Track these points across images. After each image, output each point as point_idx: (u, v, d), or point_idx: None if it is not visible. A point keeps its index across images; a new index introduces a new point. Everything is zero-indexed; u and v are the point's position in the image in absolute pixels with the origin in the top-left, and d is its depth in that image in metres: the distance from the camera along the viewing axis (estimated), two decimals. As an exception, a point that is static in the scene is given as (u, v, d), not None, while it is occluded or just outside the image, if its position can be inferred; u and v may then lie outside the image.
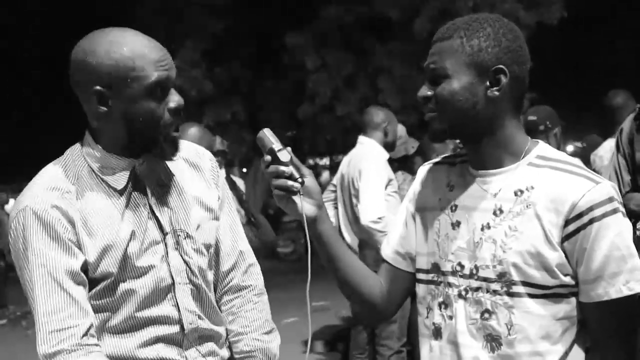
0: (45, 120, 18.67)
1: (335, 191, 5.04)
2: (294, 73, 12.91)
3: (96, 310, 1.77)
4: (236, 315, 2.03)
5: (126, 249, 1.77)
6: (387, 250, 1.83)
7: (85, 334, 1.71)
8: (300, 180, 1.63)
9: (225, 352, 1.99)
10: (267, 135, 1.65)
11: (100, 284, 1.77)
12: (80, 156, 1.83)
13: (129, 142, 1.80)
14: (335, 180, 5.04)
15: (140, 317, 1.80)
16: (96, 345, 1.74)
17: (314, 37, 12.38)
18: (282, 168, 1.62)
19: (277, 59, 13.19)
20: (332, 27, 12.27)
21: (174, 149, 1.86)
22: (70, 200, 1.76)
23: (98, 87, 1.73)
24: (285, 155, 1.62)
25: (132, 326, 1.81)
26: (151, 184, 1.86)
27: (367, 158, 4.66)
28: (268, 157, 1.63)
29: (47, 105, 18.22)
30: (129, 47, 1.72)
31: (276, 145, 1.63)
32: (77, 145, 1.85)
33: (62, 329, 1.69)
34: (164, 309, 1.83)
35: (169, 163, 1.90)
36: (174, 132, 1.81)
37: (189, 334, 1.86)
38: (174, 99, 1.78)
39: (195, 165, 1.99)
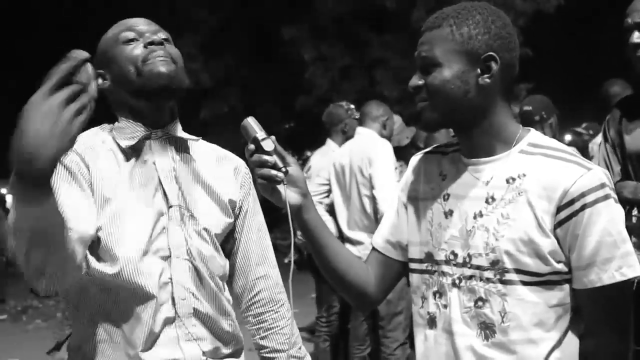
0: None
1: (326, 184, 5.03)
2: (291, 65, 12.90)
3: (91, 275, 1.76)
4: (271, 332, 2.03)
5: (131, 214, 1.78)
6: (378, 238, 1.84)
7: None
8: (284, 169, 1.63)
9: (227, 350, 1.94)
10: (251, 123, 1.64)
11: (98, 245, 1.76)
12: (106, 129, 1.90)
13: (136, 103, 1.85)
14: (326, 172, 5.02)
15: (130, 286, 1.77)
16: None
17: (311, 29, 12.37)
18: (266, 157, 1.62)
19: (274, 51, 13.18)
20: (329, 18, 12.25)
21: (157, 79, 1.81)
22: (98, 154, 1.83)
23: (97, 71, 1.82)
24: (269, 144, 1.62)
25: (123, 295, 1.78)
26: (164, 156, 1.88)
27: (375, 146, 4.65)
28: (252, 146, 1.63)
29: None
30: (113, 28, 1.90)
31: (260, 134, 1.63)
32: (105, 124, 1.92)
33: None
34: (159, 279, 1.79)
35: (191, 146, 1.93)
36: (157, 66, 1.82)
37: (180, 310, 1.82)
38: (150, 37, 1.85)
39: (221, 161, 2.00)
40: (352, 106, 5.43)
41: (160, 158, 1.87)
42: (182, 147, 1.93)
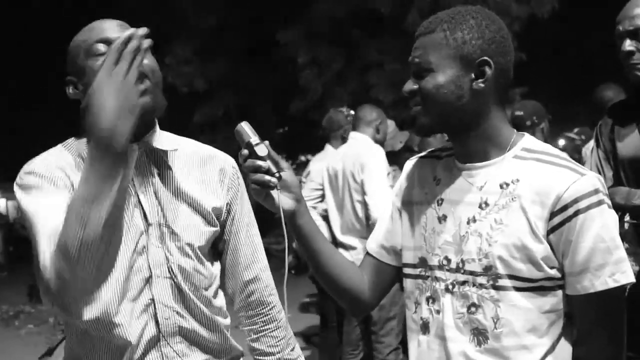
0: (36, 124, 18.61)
1: (319, 189, 5.01)
2: (285, 69, 12.89)
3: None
4: (262, 334, 2.02)
5: None
6: (372, 243, 1.84)
7: None
8: (277, 174, 1.62)
9: None
10: (245, 129, 1.64)
11: None
12: (73, 144, 1.86)
13: None
14: (321, 177, 5.01)
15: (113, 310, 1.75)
16: None
17: (305, 33, 12.36)
18: (260, 162, 1.61)
19: (268, 55, 13.17)
20: (323, 22, 12.25)
21: None
22: (74, 168, 1.80)
23: (68, 77, 1.83)
24: (262, 149, 1.61)
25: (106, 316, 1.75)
26: (142, 171, 1.83)
27: (368, 152, 4.64)
28: (245, 151, 1.63)
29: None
30: (84, 34, 1.84)
31: (254, 139, 1.62)
32: (72, 139, 1.88)
33: None
34: (139, 300, 1.78)
35: (169, 157, 1.88)
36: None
37: (164, 330, 1.81)
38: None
39: (205, 165, 1.94)
40: (352, 112, 5.42)
41: (137, 173, 1.83)
42: (161, 159, 1.87)
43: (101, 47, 1.78)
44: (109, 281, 1.70)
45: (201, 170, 1.93)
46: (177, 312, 1.82)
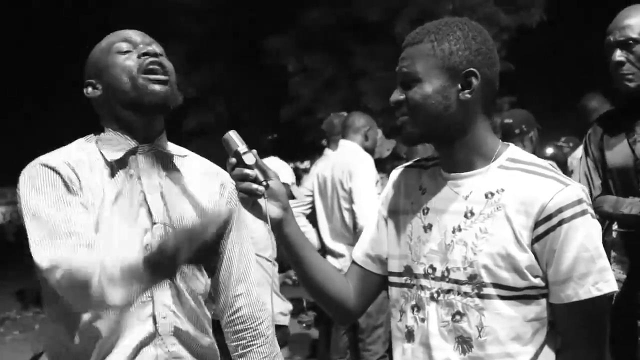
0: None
1: (310, 195, 5.02)
2: (275, 76, 12.90)
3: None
4: (249, 349, 2.03)
5: (114, 230, 1.78)
6: (358, 252, 1.84)
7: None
8: (265, 183, 1.63)
9: None
10: (233, 137, 1.65)
11: None
12: (92, 140, 1.90)
13: (127, 116, 1.85)
14: (311, 185, 5.01)
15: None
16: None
17: (295, 40, 12.38)
18: (247, 171, 1.62)
19: (258, 62, 13.18)
20: (313, 29, 12.27)
21: (150, 97, 1.82)
22: (85, 167, 1.82)
23: (87, 80, 1.89)
24: (250, 158, 1.62)
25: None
26: (150, 171, 1.87)
27: (356, 160, 4.65)
28: (233, 160, 1.64)
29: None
30: (107, 38, 1.92)
31: (241, 147, 1.63)
32: (91, 135, 1.92)
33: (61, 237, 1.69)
34: (140, 298, 1.79)
35: (177, 163, 1.93)
36: (153, 83, 1.83)
37: (160, 328, 1.82)
38: (144, 48, 1.86)
39: (208, 177, 2.00)
40: None
41: (146, 173, 1.87)
42: (169, 162, 1.92)
43: (124, 45, 1.87)
44: None
45: (204, 180, 1.98)
46: (174, 312, 1.85)
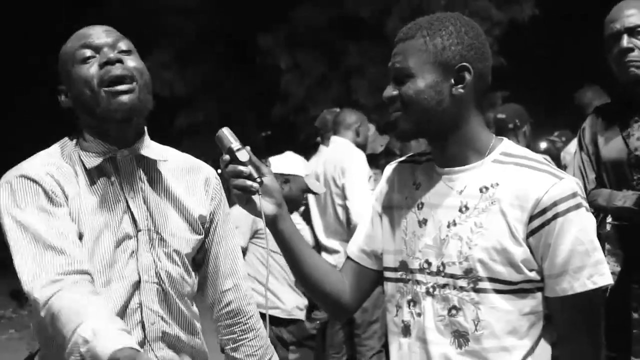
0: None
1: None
2: (267, 73, 12.89)
3: None
4: (240, 343, 2.03)
5: (98, 239, 1.76)
6: (353, 247, 1.84)
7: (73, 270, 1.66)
8: (259, 180, 1.63)
9: None
10: (226, 134, 1.65)
11: None
12: (71, 143, 1.86)
13: (99, 124, 1.80)
14: None
15: None
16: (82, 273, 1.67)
17: (286, 38, 12.37)
18: (241, 168, 1.62)
19: (250, 60, 13.16)
20: (304, 27, 12.26)
21: (114, 113, 1.76)
22: (66, 175, 1.79)
23: (59, 86, 1.84)
24: (244, 154, 1.62)
25: None
26: (131, 177, 1.84)
27: (349, 156, 4.65)
28: (227, 157, 1.63)
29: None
30: (70, 41, 1.84)
31: (235, 144, 1.63)
32: (66, 139, 1.88)
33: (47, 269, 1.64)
34: (129, 305, 1.79)
35: (158, 165, 1.90)
36: (115, 96, 1.75)
37: (149, 335, 1.82)
38: (107, 53, 1.78)
39: (191, 174, 1.97)
40: None
41: (127, 179, 1.84)
42: (150, 165, 1.89)
43: (86, 52, 1.79)
44: (99, 287, 1.73)
45: (188, 179, 1.96)
46: (162, 318, 1.84)
